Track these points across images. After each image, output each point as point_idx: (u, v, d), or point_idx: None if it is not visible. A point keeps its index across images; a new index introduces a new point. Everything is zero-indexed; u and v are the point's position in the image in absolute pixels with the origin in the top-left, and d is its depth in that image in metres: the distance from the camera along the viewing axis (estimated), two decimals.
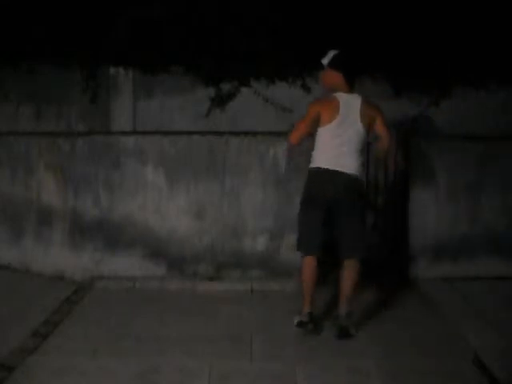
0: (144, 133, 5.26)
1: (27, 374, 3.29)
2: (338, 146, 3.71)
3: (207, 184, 4.84)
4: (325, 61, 3.85)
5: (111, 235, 4.90)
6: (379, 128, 3.84)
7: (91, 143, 4.89)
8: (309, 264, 3.80)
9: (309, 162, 3.85)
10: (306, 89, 5.66)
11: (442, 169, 4.90)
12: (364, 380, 3.26)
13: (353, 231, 3.77)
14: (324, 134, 3.76)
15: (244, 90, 5.63)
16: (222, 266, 4.88)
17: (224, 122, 5.40)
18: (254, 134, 4.93)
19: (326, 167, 3.72)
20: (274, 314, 4.19)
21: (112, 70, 5.78)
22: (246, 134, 4.93)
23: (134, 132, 5.54)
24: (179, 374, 3.29)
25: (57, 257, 4.99)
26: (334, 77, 3.83)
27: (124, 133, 5.34)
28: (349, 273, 3.80)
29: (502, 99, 5.60)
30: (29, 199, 5.03)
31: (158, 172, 4.86)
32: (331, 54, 3.85)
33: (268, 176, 4.85)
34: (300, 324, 3.78)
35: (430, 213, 4.91)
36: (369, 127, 3.80)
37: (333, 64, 3.82)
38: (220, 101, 5.68)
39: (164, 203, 4.87)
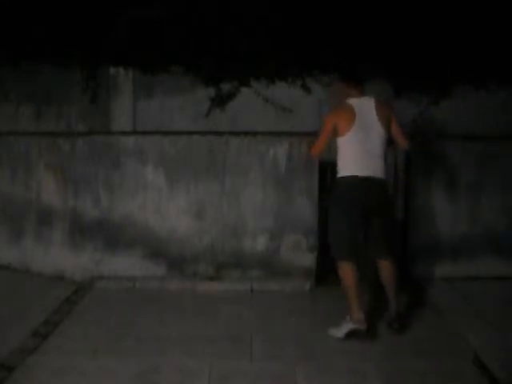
0: (144, 133, 5.26)
1: (27, 374, 3.29)
2: (364, 151, 3.80)
3: (207, 184, 4.84)
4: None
5: (111, 235, 4.90)
6: (395, 129, 3.91)
7: (91, 143, 4.89)
8: (352, 269, 3.82)
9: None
10: (306, 89, 5.66)
11: (442, 169, 4.90)
12: (364, 380, 3.26)
13: (387, 233, 3.91)
14: (347, 142, 3.82)
15: (244, 89, 5.63)
16: (222, 266, 4.88)
17: (224, 121, 5.40)
18: (254, 133, 4.94)
19: (357, 174, 3.79)
20: (274, 314, 4.19)
21: (112, 70, 5.78)
22: (245, 133, 4.93)
23: (134, 132, 5.54)
24: (179, 374, 3.29)
25: (57, 257, 4.99)
26: (342, 88, 3.94)
27: (124, 133, 5.33)
28: (390, 272, 3.91)
29: (502, 99, 5.60)
30: (29, 199, 5.04)
31: (157, 172, 4.86)
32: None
33: (268, 176, 4.85)
34: (354, 332, 3.75)
35: (430, 213, 4.91)
36: (387, 127, 3.86)
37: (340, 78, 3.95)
38: (220, 101, 5.68)
39: (164, 203, 4.87)
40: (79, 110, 5.76)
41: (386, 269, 3.92)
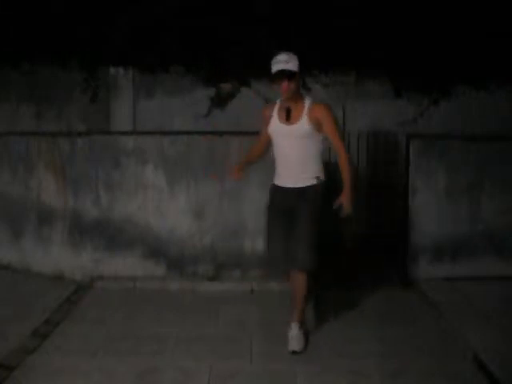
0: (144, 133, 5.26)
1: (27, 374, 3.30)
2: None
3: (207, 184, 4.84)
4: (294, 65, 3.50)
5: (111, 235, 4.90)
6: None
7: (91, 143, 4.88)
8: None
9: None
10: (306, 89, 5.67)
11: (441, 169, 4.90)
12: (364, 380, 3.26)
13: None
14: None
15: (244, 89, 5.63)
16: (222, 266, 4.87)
17: (224, 122, 5.40)
18: (254, 133, 4.92)
19: None
20: (274, 314, 4.19)
21: (112, 70, 5.79)
22: (246, 134, 4.93)
23: (134, 132, 5.55)
24: (179, 374, 3.29)
25: (57, 257, 4.99)
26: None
27: (124, 133, 5.34)
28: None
29: (502, 99, 5.61)
30: (29, 199, 5.04)
31: (157, 172, 4.85)
32: (278, 60, 3.50)
33: (268, 176, 4.84)
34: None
35: (430, 213, 4.91)
36: None
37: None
38: (220, 101, 5.68)
39: (164, 203, 4.87)
40: (79, 110, 5.77)
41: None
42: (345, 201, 3.51)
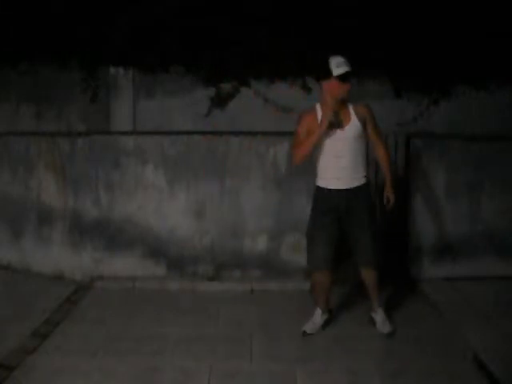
0: (144, 133, 5.26)
1: (27, 374, 3.30)
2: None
3: (207, 184, 4.84)
4: (339, 70, 3.55)
5: (111, 235, 4.90)
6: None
7: (91, 143, 4.88)
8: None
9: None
10: (306, 89, 5.67)
11: (441, 169, 4.90)
12: (364, 380, 3.26)
13: None
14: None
15: (244, 89, 5.63)
16: (222, 266, 4.87)
17: (224, 122, 5.40)
18: (254, 133, 4.93)
19: None
20: (274, 314, 4.19)
21: (112, 70, 5.79)
22: (245, 133, 4.93)
23: (134, 132, 5.55)
24: (179, 374, 3.29)
25: (57, 257, 4.99)
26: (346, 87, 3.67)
27: (124, 133, 5.34)
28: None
29: (502, 99, 5.61)
30: (29, 199, 5.04)
31: (157, 172, 4.85)
32: (341, 62, 3.57)
33: (268, 176, 4.85)
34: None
35: (430, 213, 4.91)
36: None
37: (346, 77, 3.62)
38: (220, 101, 5.68)
39: (164, 203, 4.87)
40: (79, 110, 5.78)
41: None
42: (390, 193, 3.83)
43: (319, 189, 3.78)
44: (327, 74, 3.56)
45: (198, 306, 4.42)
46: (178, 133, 5.09)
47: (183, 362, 3.45)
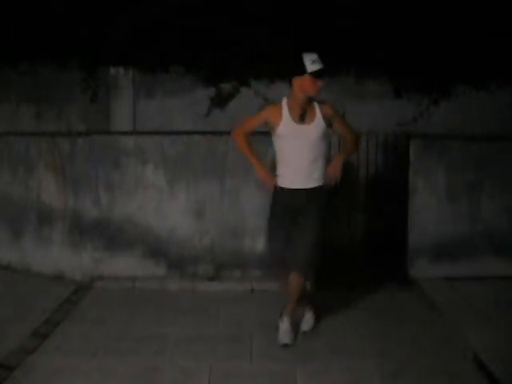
0: (144, 133, 5.26)
1: (27, 374, 3.30)
2: None
3: (207, 184, 4.84)
4: (314, 67, 3.47)
5: (111, 235, 4.90)
6: None
7: (91, 143, 4.88)
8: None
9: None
10: None
11: (441, 169, 4.90)
12: (364, 380, 3.26)
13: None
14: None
15: (244, 89, 5.63)
16: (222, 266, 4.87)
17: (224, 122, 5.39)
18: (254, 133, 4.92)
19: None
20: (274, 314, 4.18)
21: (112, 70, 5.79)
22: None
23: (134, 132, 5.54)
24: (179, 374, 3.29)
25: (57, 257, 4.99)
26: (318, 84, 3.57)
27: (124, 133, 5.34)
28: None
29: (502, 99, 5.61)
30: (29, 199, 5.04)
31: (157, 172, 4.85)
32: (316, 59, 3.49)
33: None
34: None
35: (430, 213, 4.91)
36: None
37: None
38: (220, 101, 5.68)
39: (164, 203, 4.87)
40: (79, 110, 5.77)
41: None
42: (334, 169, 3.58)
43: (278, 188, 3.68)
44: (300, 70, 3.47)
45: (198, 305, 4.42)
46: (178, 133, 5.09)
47: (183, 361, 3.45)
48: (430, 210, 4.91)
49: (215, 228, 4.87)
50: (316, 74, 3.47)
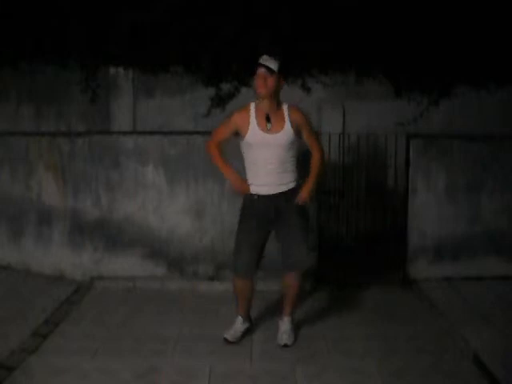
0: (144, 133, 5.26)
1: (27, 374, 3.29)
2: None
3: (207, 184, 4.84)
4: (274, 65, 3.41)
5: (111, 235, 4.90)
6: None
7: (91, 143, 4.88)
8: None
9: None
10: (306, 89, 5.67)
11: (442, 169, 4.90)
12: (364, 380, 3.26)
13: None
14: None
15: (244, 90, 5.63)
16: (222, 266, 4.87)
17: None
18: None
19: None
20: (274, 314, 4.19)
21: (112, 70, 5.79)
22: None
23: (134, 132, 5.54)
24: (179, 374, 3.29)
25: (57, 257, 4.99)
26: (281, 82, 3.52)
27: (124, 133, 5.34)
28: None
29: (502, 99, 5.61)
30: (29, 199, 5.03)
31: (157, 172, 4.85)
32: (266, 57, 3.43)
33: None
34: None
35: (430, 213, 4.91)
36: None
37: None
38: (220, 101, 5.68)
39: (164, 203, 4.87)
40: (79, 110, 5.77)
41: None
42: (304, 194, 3.54)
43: (252, 196, 3.55)
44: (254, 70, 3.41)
45: (197, 305, 4.42)
46: (178, 133, 5.09)
47: (183, 361, 3.45)
48: (430, 210, 4.91)
49: (215, 228, 4.87)
50: (262, 67, 3.37)
